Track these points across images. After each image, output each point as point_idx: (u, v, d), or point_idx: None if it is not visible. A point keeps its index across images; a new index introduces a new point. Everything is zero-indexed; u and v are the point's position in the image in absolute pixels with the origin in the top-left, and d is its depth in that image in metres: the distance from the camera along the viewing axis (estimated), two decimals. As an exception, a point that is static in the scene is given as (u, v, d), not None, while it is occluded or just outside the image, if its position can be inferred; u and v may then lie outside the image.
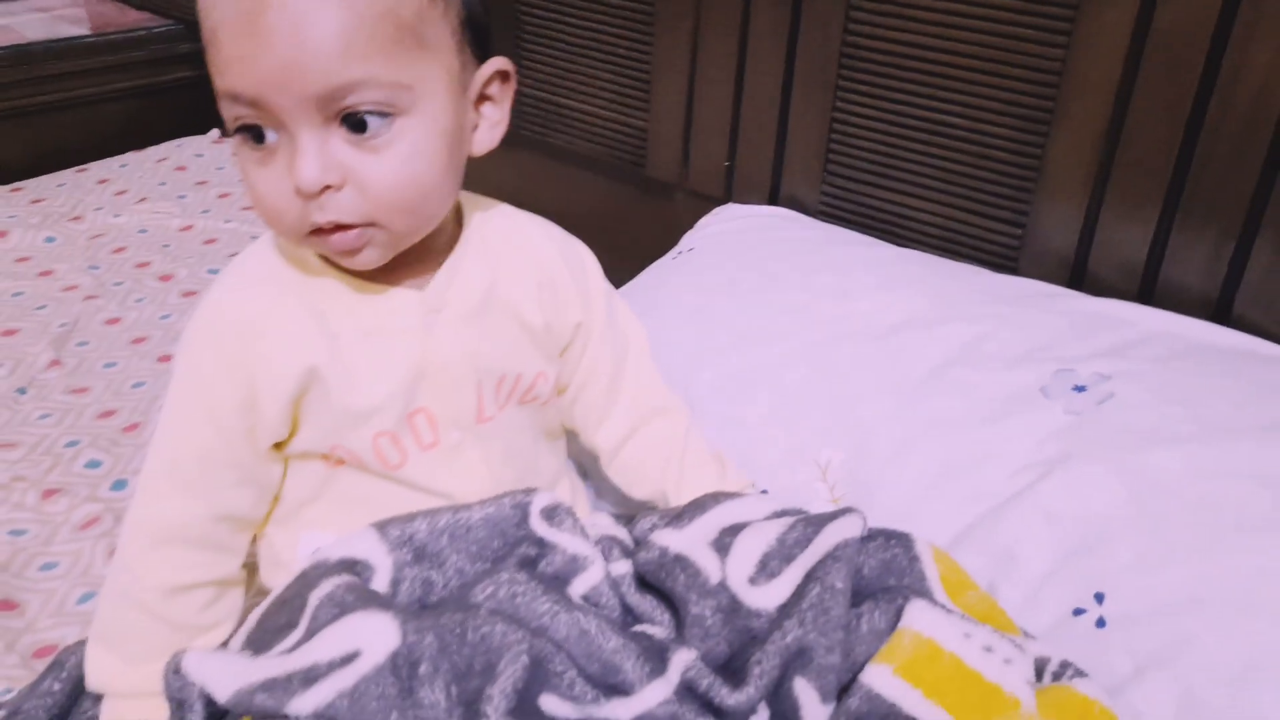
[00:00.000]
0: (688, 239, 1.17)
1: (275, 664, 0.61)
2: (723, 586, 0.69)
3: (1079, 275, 1.03)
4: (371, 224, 0.64)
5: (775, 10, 1.17)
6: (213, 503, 0.70)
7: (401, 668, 0.59)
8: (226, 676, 0.61)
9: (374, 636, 0.60)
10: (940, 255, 1.10)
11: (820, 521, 0.69)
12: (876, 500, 0.82)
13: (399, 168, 0.63)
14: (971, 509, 0.78)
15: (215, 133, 1.98)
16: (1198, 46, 0.91)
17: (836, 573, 0.66)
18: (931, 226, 1.13)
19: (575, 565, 0.71)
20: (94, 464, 1.10)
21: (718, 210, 1.23)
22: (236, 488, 0.70)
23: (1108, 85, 0.97)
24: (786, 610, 0.66)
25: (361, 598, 0.65)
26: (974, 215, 1.09)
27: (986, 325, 0.90)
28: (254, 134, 0.62)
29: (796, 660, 0.64)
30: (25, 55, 1.83)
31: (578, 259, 0.81)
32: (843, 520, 0.68)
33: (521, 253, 0.77)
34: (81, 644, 0.77)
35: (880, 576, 0.68)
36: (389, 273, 0.70)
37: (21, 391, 1.22)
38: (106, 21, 2.02)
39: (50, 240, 1.58)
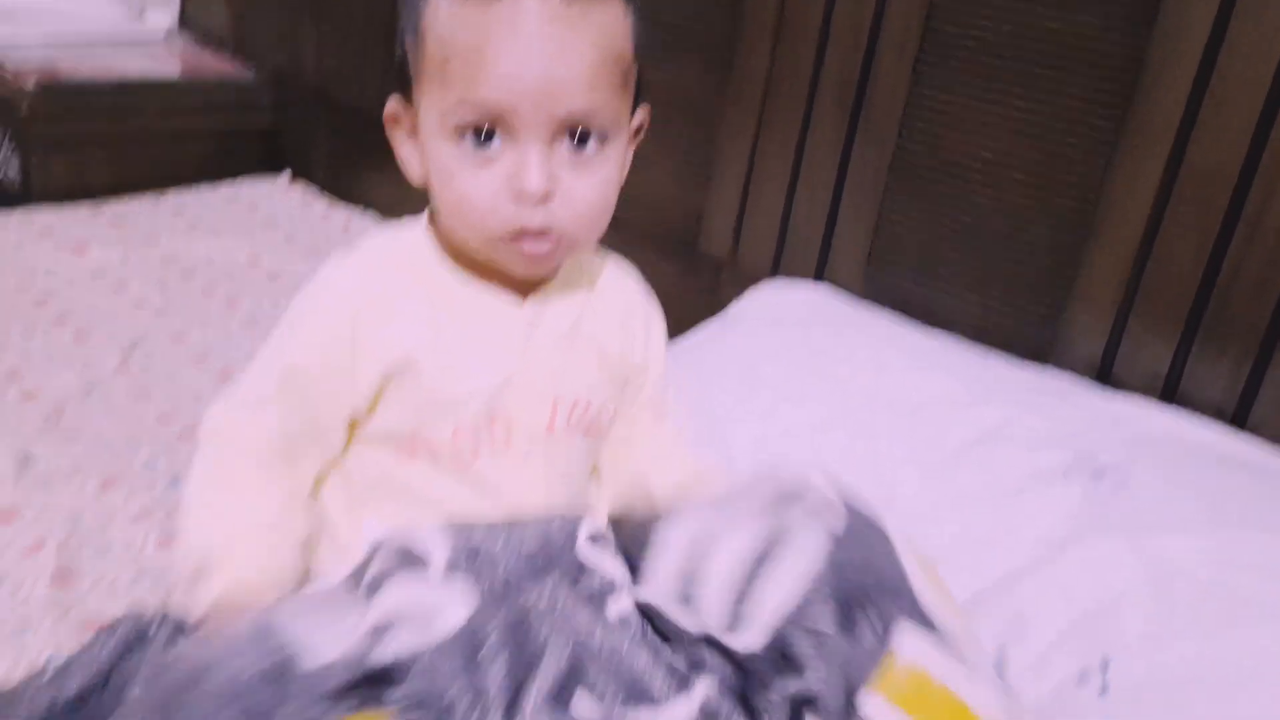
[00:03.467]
0: (734, 309, 1.24)
1: (356, 614, 0.65)
2: (705, 638, 0.71)
3: (1104, 379, 1.09)
4: (563, 235, 0.73)
5: (834, 116, 1.26)
6: (297, 418, 0.76)
7: (468, 640, 0.63)
8: (317, 629, 0.64)
9: (450, 602, 0.65)
10: (974, 347, 1.15)
11: (785, 540, 0.70)
12: (899, 560, 0.86)
13: (600, 185, 0.73)
14: (990, 574, 0.82)
15: (287, 176, 2.09)
16: (1225, 182, 0.98)
17: (823, 617, 0.67)
18: (967, 320, 1.19)
19: (610, 589, 0.76)
20: (151, 463, 1.16)
21: (766, 283, 1.29)
22: (316, 421, 0.76)
23: (1142, 208, 1.04)
24: (787, 655, 0.69)
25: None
26: (1008, 313, 1.16)
27: (1014, 411, 0.95)
28: (478, 137, 0.70)
29: (806, 703, 0.67)
30: (122, 89, 1.95)
31: (651, 314, 0.89)
32: (807, 543, 0.69)
33: (609, 288, 0.84)
34: (129, 615, 0.81)
35: (861, 575, 0.69)
36: (499, 285, 0.77)
37: (89, 391, 1.28)
38: (201, 66, 2.14)
39: (125, 259, 1.66)
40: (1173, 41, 0.99)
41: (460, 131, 0.70)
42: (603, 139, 0.72)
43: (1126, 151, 1.04)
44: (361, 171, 2.00)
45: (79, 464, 1.13)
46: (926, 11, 1.16)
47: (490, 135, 0.70)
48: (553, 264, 0.76)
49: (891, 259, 1.24)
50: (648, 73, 0.78)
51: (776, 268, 1.36)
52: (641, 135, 0.80)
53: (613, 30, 0.71)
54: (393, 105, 0.76)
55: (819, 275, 1.31)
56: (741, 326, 1.15)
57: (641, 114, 0.79)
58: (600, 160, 0.72)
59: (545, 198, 0.70)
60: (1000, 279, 1.15)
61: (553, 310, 0.80)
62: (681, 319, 1.36)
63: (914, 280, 1.23)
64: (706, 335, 1.17)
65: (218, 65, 2.18)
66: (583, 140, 0.71)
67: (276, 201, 1.97)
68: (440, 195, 0.74)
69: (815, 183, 1.29)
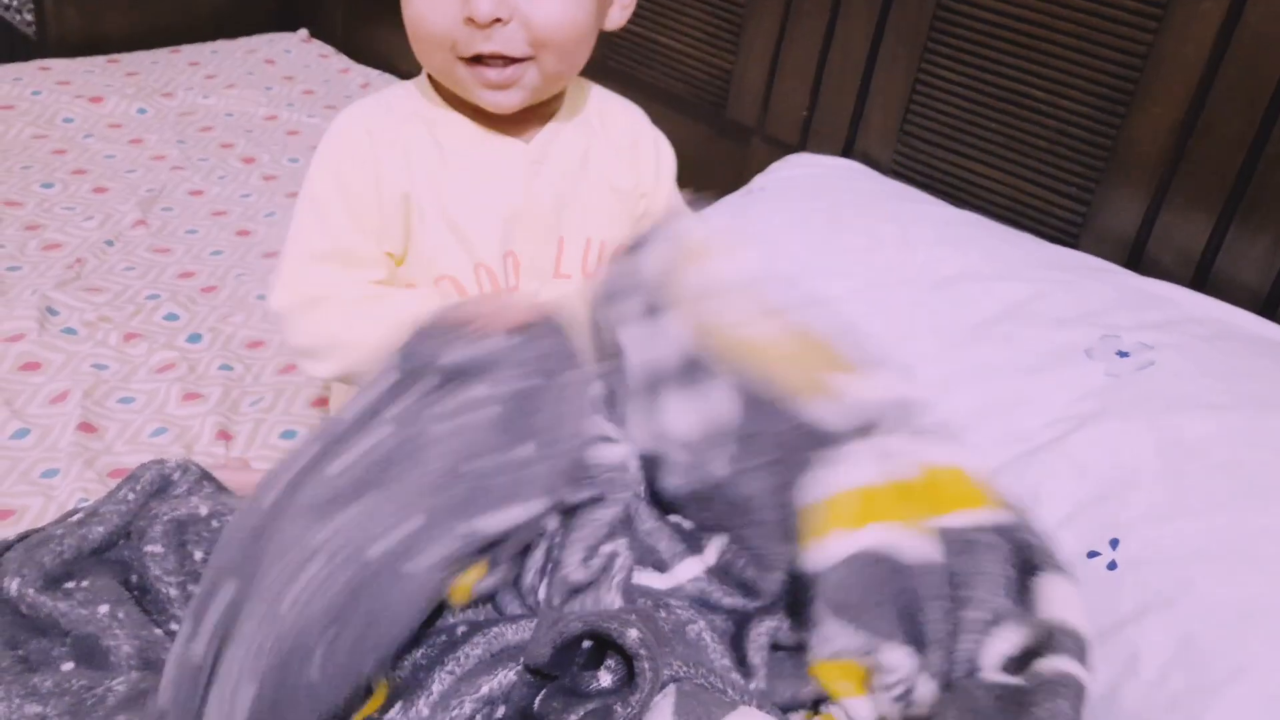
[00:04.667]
0: (759, 180, 1.21)
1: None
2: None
3: (1136, 257, 1.06)
4: (529, 58, 0.72)
5: (873, -31, 1.20)
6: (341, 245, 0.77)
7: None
8: None
9: None
10: (1003, 224, 1.13)
11: None
12: (914, 433, 0.86)
13: (562, 9, 0.72)
14: (1004, 450, 0.82)
15: (304, 32, 2.03)
16: (1282, 46, 0.94)
17: None
18: (998, 195, 1.16)
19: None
20: (172, 317, 1.16)
21: (790, 157, 1.26)
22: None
23: (1190, 75, 0.99)
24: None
25: None
26: (1041, 188, 1.12)
27: (1040, 287, 0.93)
28: None
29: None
30: (136, -66, 1.89)
31: (660, 142, 0.89)
32: None
33: (615, 122, 0.85)
34: (155, 461, 0.82)
35: None
36: (501, 125, 0.79)
37: (109, 243, 1.28)
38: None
39: (142, 111, 1.64)
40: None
41: None
42: None
43: (1180, 9, 0.99)
44: (377, 30, 1.94)
45: (102, 314, 1.14)
46: None
47: None
48: (520, 95, 0.75)
49: (925, 126, 1.20)
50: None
51: (806, 134, 1.32)
52: None
53: None
54: None
55: (850, 144, 1.28)
56: (764, 200, 1.13)
57: None
58: None
59: (497, 22, 0.70)
60: (1036, 152, 1.12)
61: (558, 147, 0.81)
62: (706, 185, 1.33)
63: (947, 151, 1.19)
64: (728, 207, 1.15)
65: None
66: None
67: (294, 57, 1.93)
68: (405, 21, 0.74)
69: (851, 41, 1.24)
